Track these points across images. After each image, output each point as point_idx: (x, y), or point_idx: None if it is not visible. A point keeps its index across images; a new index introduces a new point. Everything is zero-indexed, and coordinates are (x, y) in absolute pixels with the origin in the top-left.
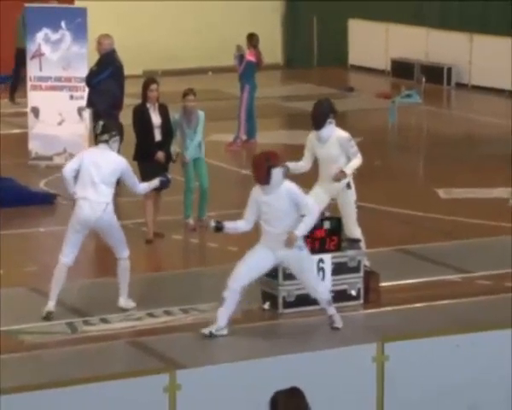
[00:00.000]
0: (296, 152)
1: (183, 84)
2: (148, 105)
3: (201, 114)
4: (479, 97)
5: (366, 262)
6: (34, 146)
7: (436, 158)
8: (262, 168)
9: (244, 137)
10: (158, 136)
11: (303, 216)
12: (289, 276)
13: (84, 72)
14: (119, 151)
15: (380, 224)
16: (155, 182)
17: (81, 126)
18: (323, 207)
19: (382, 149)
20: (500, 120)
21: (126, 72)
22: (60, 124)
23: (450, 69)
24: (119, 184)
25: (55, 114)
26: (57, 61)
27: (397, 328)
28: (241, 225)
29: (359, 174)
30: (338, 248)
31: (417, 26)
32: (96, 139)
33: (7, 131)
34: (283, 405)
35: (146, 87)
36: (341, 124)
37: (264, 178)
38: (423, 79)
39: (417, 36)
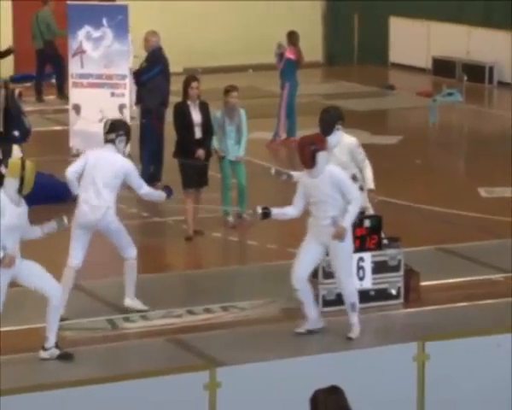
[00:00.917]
0: None
1: (224, 81)
2: (189, 102)
3: (242, 111)
4: None
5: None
6: (75, 143)
7: (477, 157)
8: (307, 152)
9: (284, 135)
10: (198, 133)
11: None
12: (330, 274)
13: (125, 69)
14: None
15: (420, 222)
16: (160, 193)
17: None
18: None
19: (423, 147)
20: None
21: None
22: (100, 121)
23: (491, 68)
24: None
25: (96, 111)
26: (98, 58)
27: (437, 327)
28: (289, 211)
29: (399, 172)
30: (378, 247)
31: (459, 23)
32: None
33: (48, 127)
34: (323, 403)
35: (187, 84)
36: (382, 122)
37: (309, 161)
38: (465, 78)
39: (459, 34)
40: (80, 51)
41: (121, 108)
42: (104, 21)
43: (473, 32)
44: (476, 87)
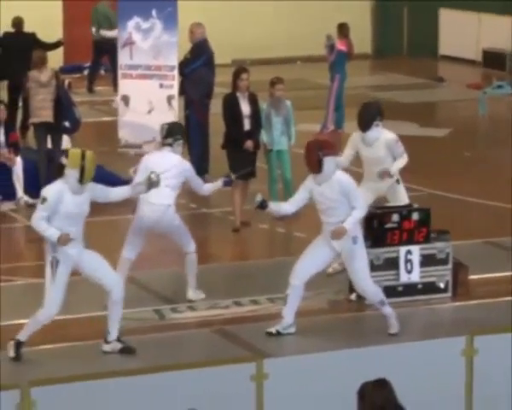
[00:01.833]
0: None
1: (272, 73)
2: (238, 94)
3: (289, 103)
4: None
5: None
6: (124, 134)
7: None
8: (314, 156)
9: (332, 127)
10: (247, 125)
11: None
12: (376, 267)
13: (174, 60)
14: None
15: (468, 215)
16: (219, 183)
17: (170, 115)
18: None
19: (472, 140)
20: None
21: (215, 61)
22: (149, 112)
23: None
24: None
25: (145, 102)
26: (148, 49)
27: (486, 321)
28: (284, 207)
29: (448, 165)
30: (426, 240)
31: (509, 15)
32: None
33: (97, 118)
34: (371, 396)
35: (236, 76)
36: (431, 114)
37: (315, 166)
38: None
39: (509, 26)
40: (130, 42)
41: (170, 99)
42: (153, 13)
43: None
44: None
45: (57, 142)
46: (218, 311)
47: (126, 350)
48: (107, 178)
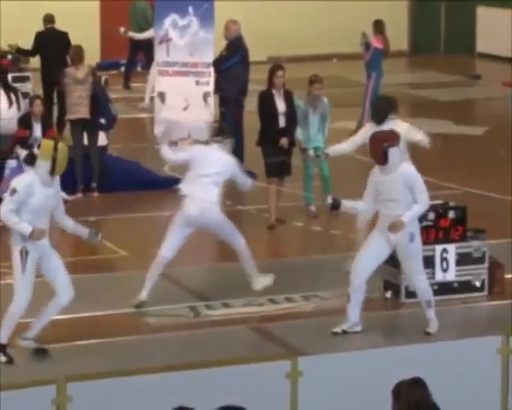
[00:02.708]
0: None
1: (307, 70)
2: (274, 91)
3: (326, 100)
4: None
5: None
6: (160, 131)
7: None
8: (379, 148)
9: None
10: (282, 122)
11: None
12: None
13: (210, 58)
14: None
15: (505, 214)
16: (250, 179)
17: (206, 112)
18: None
19: (508, 138)
20: None
21: (251, 58)
22: (185, 109)
23: None
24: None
25: (181, 99)
26: (184, 46)
27: None
28: (359, 206)
29: (484, 163)
30: (463, 238)
31: None
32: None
33: (133, 115)
34: (406, 395)
35: (272, 73)
36: (467, 112)
37: (380, 158)
38: None
39: None
40: (166, 39)
41: (205, 96)
42: (190, 10)
43: None
44: None
45: (93, 138)
46: (253, 308)
47: (39, 351)
48: (144, 175)
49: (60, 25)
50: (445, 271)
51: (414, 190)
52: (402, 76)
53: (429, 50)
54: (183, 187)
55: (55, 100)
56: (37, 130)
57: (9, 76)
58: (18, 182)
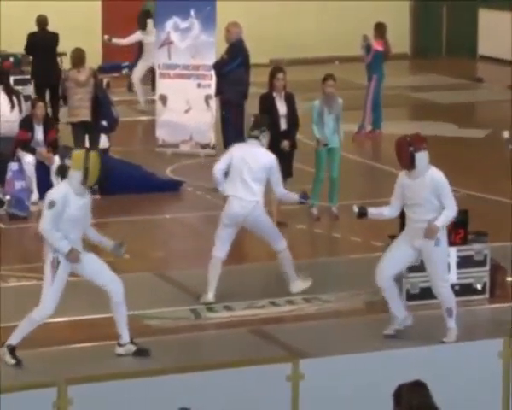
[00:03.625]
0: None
1: (309, 73)
2: (275, 94)
3: (340, 101)
4: None
5: None
6: (161, 133)
7: None
8: (405, 153)
9: (369, 128)
10: (283, 125)
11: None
12: (414, 268)
13: (212, 60)
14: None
15: (507, 217)
16: (295, 196)
17: (208, 115)
18: None
19: None
20: None
21: (253, 60)
22: (187, 112)
23: None
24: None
25: (183, 101)
26: (186, 49)
27: None
28: (385, 211)
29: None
30: (464, 241)
31: None
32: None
33: (135, 117)
34: (407, 398)
35: (273, 76)
36: (470, 115)
37: (407, 162)
38: None
39: None
40: (168, 42)
41: (207, 98)
42: (192, 12)
43: None
44: None
45: (95, 141)
46: (254, 311)
47: (140, 352)
48: (145, 178)
49: (61, 26)
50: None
51: (441, 196)
52: (404, 79)
53: (431, 53)
54: (227, 187)
55: (49, 103)
56: (39, 132)
57: (11, 79)
58: (54, 194)
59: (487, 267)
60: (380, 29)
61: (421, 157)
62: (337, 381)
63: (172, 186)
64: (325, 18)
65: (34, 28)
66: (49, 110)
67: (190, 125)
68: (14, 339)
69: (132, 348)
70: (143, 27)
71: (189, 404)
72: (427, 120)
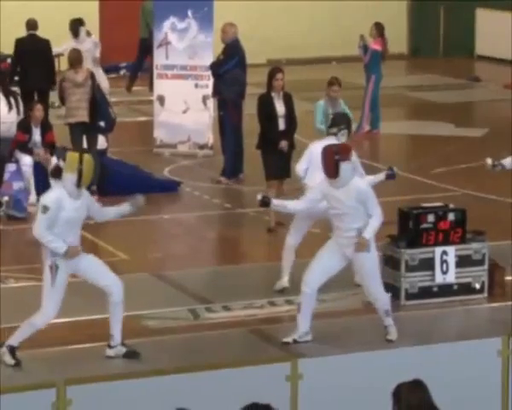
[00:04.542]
0: (420, 143)
1: (307, 73)
2: (273, 94)
3: (342, 102)
4: None
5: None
6: (159, 134)
7: None
8: (330, 161)
9: (367, 128)
10: (282, 125)
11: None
12: (411, 267)
13: (209, 61)
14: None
15: (505, 216)
16: (381, 176)
17: (205, 115)
18: None
19: (509, 140)
20: None
21: (251, 61)
22: (184, 112)
23: None
24: (243, 172)
25: (180, 102)
26: (183, 49)
27: None
28: (290, 205)
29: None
30: (462, 241)
31: None
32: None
33: (133, 118)
34: (406, 397)
35: (271, 76)
36: (467, 114)
37: (332, 171)
38: None
39: None
40: (165, 43)
41: (205, 99)
42: (189, 13)
43: None
44: None
45: (93, 142)
46: (253, 311)
47: (130, 354)
48: (143, 178)
49: (58, 26)
50: (444, 273)
51: (367, 205)
52: (401, 78)
53: (429, 53)
54: (308, 181)
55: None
56: (37, 134)
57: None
58: (47, 198)
59: (486, 266)
60: (378, 29)
61: (346, 167)
62: (336, 381)
63: (170, 187)
64: (322, 18)
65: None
66: None
67: (188, 125)
68: (14, 340)
69: (122, 349)
70: (76, 35)
71: (188, 404)
72: (424, 120)
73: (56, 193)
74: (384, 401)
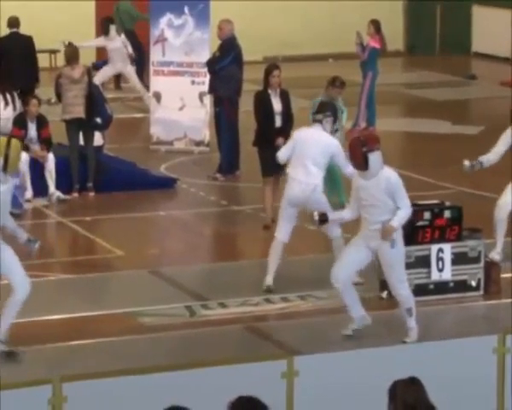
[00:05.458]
0: (416, 140)
1: (303, 70)
2: (270, 91)
3: (341, 101)
4: None
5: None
6: (155, 131)
7: None
8: (358, 153)
9: (363, 125)
10: (278, 122)
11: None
12: (408, 265)
13: (206, 57)
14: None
15: None
16: None
17: (202, 111)
18: None
19: None
20: None
21: (247, 58)
22: (181, 109)
23: None
24: (239, 169)
25: (177, 99)
26: (180, 46)
27: None
28: (345, 215)
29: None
30: (458, 238)
31: None
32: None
33: (129, 115)
34: (402, 395)
35: (268, 73)
36: (464, 112)
37: (360, 163)
38: None
39: None
40: (162, 39)
41: (201, 95)
42: (186, 9)
43: None
44: None
45: (89, 138)
46: (249, 308)
47: (9, 354)
48: (140, 175)
49: (55, 24)
50: (440, 270)
51: (396, 196)
52: (398, 76)
53: (425, 50)
54: (290, 170)
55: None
56: (32, 130)
57: None
58: None
59: (481, 264)
60: (375, 26)
61: (375, 158)
62: (332, 378)
63: (167, 183)
64: (319, 15)
65: (29, 28)
66: None
67: (184, 122)
68: None
69: (1, 347)
70: (106, 33)
71: (184, 402)
72: (420, 117)
73: None
74: (380, 398)
